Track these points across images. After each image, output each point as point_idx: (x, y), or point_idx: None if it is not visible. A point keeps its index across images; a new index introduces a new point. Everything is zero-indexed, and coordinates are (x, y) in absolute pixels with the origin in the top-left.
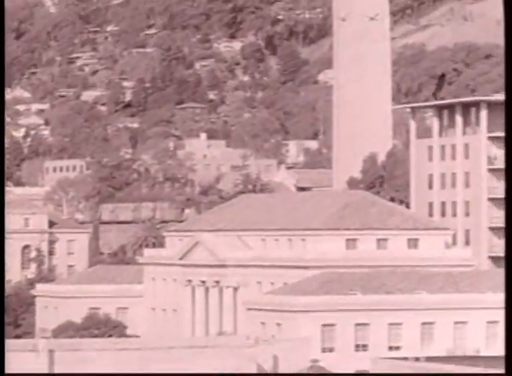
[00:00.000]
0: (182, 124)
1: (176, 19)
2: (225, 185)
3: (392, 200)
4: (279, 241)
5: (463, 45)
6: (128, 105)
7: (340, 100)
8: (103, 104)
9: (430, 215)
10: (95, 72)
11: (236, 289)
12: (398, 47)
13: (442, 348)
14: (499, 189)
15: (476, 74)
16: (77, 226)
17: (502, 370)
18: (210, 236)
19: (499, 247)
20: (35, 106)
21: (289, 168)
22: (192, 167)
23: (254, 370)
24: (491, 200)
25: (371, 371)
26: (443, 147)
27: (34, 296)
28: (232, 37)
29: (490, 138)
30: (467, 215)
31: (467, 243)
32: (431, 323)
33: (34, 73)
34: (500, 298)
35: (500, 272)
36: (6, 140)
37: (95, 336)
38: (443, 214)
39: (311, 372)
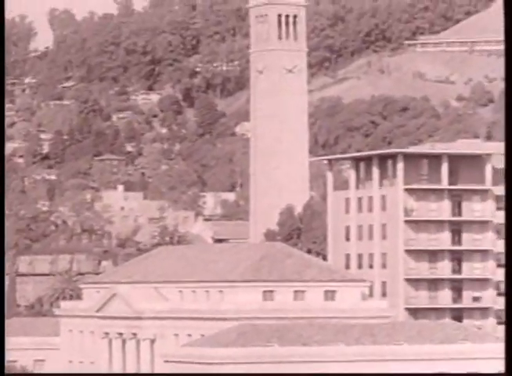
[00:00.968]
0: (99, 176)
1: (94, 71)
2: (142, 237)
3: (309, 252)
4: (196, 293)
5: (380, 97)
6: (46, 157)
7: (257, 152)
8: (21, 156)
9: (347, 266)
10: (12, 124)
11: (153, 341)
12: (315, 99)
13: None
14: (416, 241)
15: (393, 127)
16: None
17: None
18: (127, 288)
19: (415, 298)
20: None
21: (206, 219)
22: (110, 219)
23: None
24: (407, 251)
25: None
26: (360, 199)
27: None
28: (150, 89)
29: (406, 190)
30: (384, 266)
31: (384, 294)
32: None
33: None
34: (416, 349)
35: (417, 324)
36: None
37: None
38: (360, 266)
39: None
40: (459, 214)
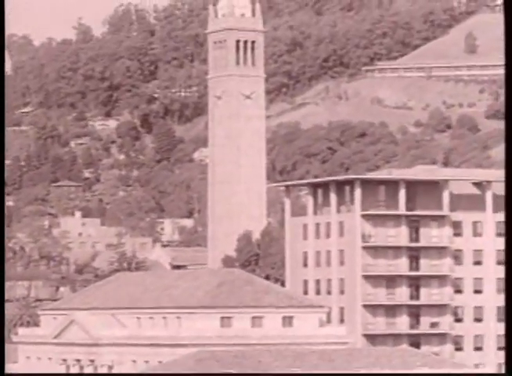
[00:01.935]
0: (57, 203)
1: (52, 97)
2: (100, 263)
3: (267, 278)
4: (154, 319)
5: (338, 123)
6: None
7: (215, 178)
8: None
9: (305, 292)
10: None
11: (110, 367)
12: (273, 125)
13: None
14: (374, 267)
15: (350, 153)
16: None
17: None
18: (85, 315)
19: (373, 324)
20: None
21: (164, 246)
22: (68, 245)
23: None
24: (365, 277)
25: None
26: (318, 225)
27: None
28: (108, 115)
29: (364, 216)
30: (342, 292)
31: (342, 320)
32: None
33: None
34: None
35: (374, 350)
36: None
37: None
38: (318, 291)
39: None
40: (417, 240)
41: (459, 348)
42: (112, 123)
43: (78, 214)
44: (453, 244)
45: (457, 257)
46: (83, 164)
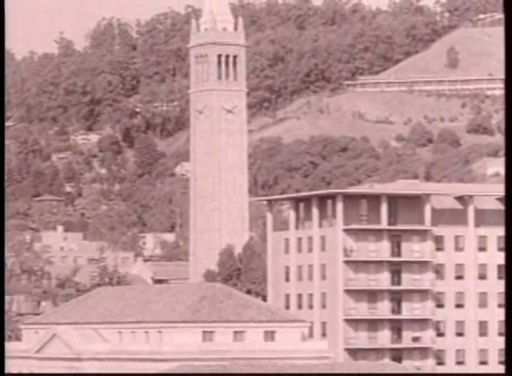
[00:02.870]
0: (38, 217)
1: (33, 111)
2: (81, 277)
3: (249, 292)
4: (135, 334)
5: (320, 138)
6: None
7: (196, 193)
8: None
9: (287, 307)
10: None
11: None
12: (254, 140)
13: None
14: (355, 281)
15: (332, 167)
16: None
17: None
18: (66, 329)
19: (355, 339)
20: None
21: (146, 260)
22: (49, 259)
23: None
24: (347, 292)
25: None
26: (300, 239)
27: None
28: (90, 129)
29: (346, 230)
30: (324, 307)
31: (324, 335)
32: None
33: None
34: None
35: (356, 365)
36: None
37: None
38: (300, 306)
39: None
40: (399, 254)
41: (440, 363)
42: (94, 137)
43: (60, 228)
44: (435, 259)
45: (439, 271)
46: (65, 178)
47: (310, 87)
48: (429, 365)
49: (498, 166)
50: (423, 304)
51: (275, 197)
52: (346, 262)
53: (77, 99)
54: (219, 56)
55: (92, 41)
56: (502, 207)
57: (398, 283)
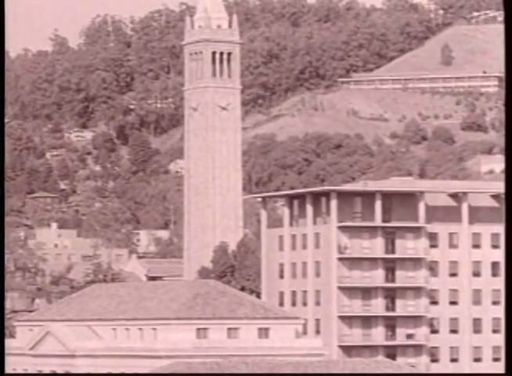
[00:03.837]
0: (32, 214)
1: (27, 108)
2: (76, 274)
3: (243, 289)
4: (129, 331)
5: (314, 135)
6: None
7: (190, 190)
8: None
9: (281, 304)
10: None
11: None
12: (249, 137)
13: None
14: (350, 279)
15: (326, 164)
16: None
17: None
18: (60, 326)
19: (349, 336)
20: None
21: (140, 257)
22: (43, 256)
23: None
24: (341, 289)
25: None
26: (294, 237)
27: None
28: (84, 126)
29: (340, 227)
30: (318, 304)
31: (318, 332)
32: None
33: None
34: None
35: (350, 362)
36: None
37: None
38: (294, 303)
39: None
40: (393, 251)
41: (434, 360)
42: (88, 134)
43: (54, 225)
44: (429, 256)
45: (433, 268)
46: (59, 175)
47: (304, 84)
48: (423, 362)
49: (492, 163)
50: (417, 301)
51: (269, 194)
52: (340, 259)
53: (71, 96)
54: (213, 54)
55: (86, 39)
56: (496, 204)
57: (392, 281)
